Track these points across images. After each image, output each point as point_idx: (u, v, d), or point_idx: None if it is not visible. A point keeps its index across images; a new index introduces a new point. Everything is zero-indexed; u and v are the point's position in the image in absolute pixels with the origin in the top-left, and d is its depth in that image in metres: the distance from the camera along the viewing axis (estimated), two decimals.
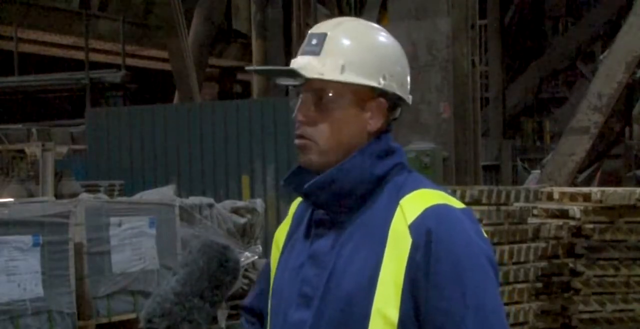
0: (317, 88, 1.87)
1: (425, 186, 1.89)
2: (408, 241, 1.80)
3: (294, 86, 1.92)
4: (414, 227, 1.81)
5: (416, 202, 1.84)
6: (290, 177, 1.95)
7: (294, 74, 1.86)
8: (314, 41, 1.88)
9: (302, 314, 1.87)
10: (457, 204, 1.87)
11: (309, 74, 1.85)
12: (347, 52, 1.87)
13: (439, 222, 1.80)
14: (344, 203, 1.88)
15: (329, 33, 1.88)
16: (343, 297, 1.82)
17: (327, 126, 1.87)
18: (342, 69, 1.85)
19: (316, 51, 1.87)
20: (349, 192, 1.87)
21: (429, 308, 1.78)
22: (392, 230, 1.82)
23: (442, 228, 1.80)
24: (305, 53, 1.89)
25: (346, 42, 1.88)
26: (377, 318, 1.79)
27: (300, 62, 1.88)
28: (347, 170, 1.86)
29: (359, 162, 1.87)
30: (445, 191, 1.91)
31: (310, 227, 1.94)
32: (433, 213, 1.81)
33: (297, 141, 1.90)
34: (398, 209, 1.84)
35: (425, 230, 1.79)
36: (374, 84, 1.87)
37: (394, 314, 1.79)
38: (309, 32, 1.92)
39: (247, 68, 2.06)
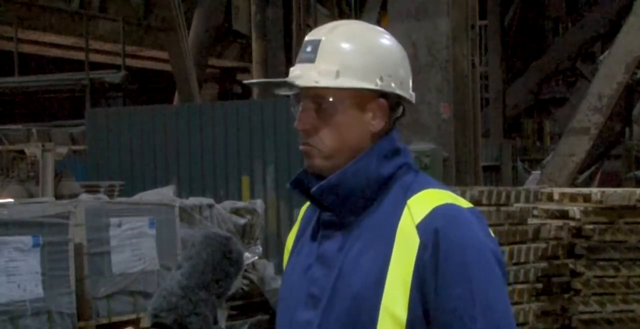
0: (315, 95, 1.89)
1: (432, 186, 1.90)
2: (416, 241, 1.81)
3: (294, 94, 1.93)
4: (422, 227, 1.82)
5: (424, 202, 1.85)
6: (296, 180, 1.95)
7: (289, 84, 1.88)
8: (309, 48, 1.90)
9: (309, 315, 1.88)
10: (465, 203, 1.88)
11: (304, 82, 1.87)
12: (342, 56, 1.87)
13: (446, 222, 1.81)
14: (352, 204, 1.89)
15: (322, 39, 1.89)
16: (351, 297, 1.83)
17: (329, 132, 1.88)
18: (337, 74, 1.86)
19: (311, 58, 1.88)
20: (356, 193, 1.88)
21: (437, 308, 1.79)
22: (400, 230, 1.83)
23: (450, 228, 1.81)
24: (301, 61, 1.90)
25: (340, 46, 1.88)
26: (385, 318, 1.80)
27: (297, 71, 1.89)
28: (353, 172, 1.87)
29: (365, 163, 1.88)
30: (452, 190, 1.91)
31: (318, 229, 1.94)
32: (440, 213, 1.82)
33: (301, 147, 1.91)
34: (405, 209, 1.85)
35: (433, 230, 1.80)
36: (370, 86, 1.88)
37: (402, 314, 1.80)
38: (305, 39, 1.93)
39: (244, 82, 2.08)
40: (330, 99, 1.88)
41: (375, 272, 1.82)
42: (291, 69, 1.92)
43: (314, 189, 1.88)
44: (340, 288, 1.85)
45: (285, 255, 2.07)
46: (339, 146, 1.88)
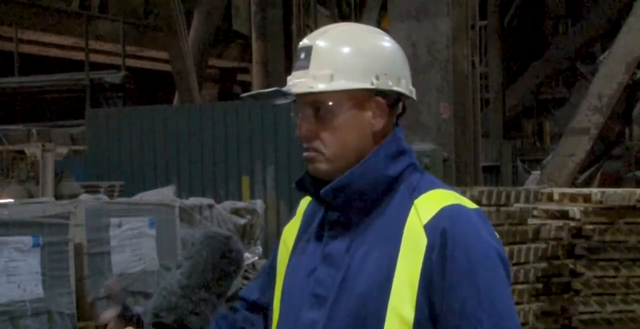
0: (313, 101, 1.89)
1: (438, 187, 1.91)
2: (423, 241, 1.81)
3: (295, 103, 1.94)
4: (430, 228, 1.82)
5: (431, 202, 1.86)
6: (302, 180, 1.96)
7: (284, 93, 1.89)
8: (302, 55, 1.91)
9: (314, 315, 1.88)
10: (470, 204, 1.89)
11: (299, 89, 1.88)
12: (334, 59, 1.88)
13: (453, 222, 1.82)
14: (359, 205, 1.89)
15: (314, 44, 1.90)
16: (357, 297, 1.83)
17: (330, 135, 1.89)
18: (331, 77, 1.87)
19: (305, 65, 1.89)
20: (363, 194, 1.88)
21: (444, 308, 1.80)
22: (407, 230, 1.84)
23: (457, 228, 1.81)
24: (296, 68, 1.92)
25: (332, 50, 1.89)
26: (393, 318, 1.80)
27: (293, 79, 1.91)
28: (361, 173, 1.88)
29: (372, 164, 1.89)
30: (457, 191, 1.92)
31: (323, 228, 1.94)
32: (448, 213, 1.83)
33: (304, 154, 1.92)
34: (412, 210, 1.85)
35: (441, 230, 1.81)
36: (366, 86, 1.88)
37: (410, 314, 1.80)
38: (298, 46, 1.94)
39: (241, 95, 2.08)
40: (328, 103, 1.88)
41: (382, 272, 1.82)
42: (288, 77, 1.93)
43: (323, 190, 1.89)
44: (347, 288, 1.85)
45: (282, 248, 2.06)
46: (341, 148, 1.89)
